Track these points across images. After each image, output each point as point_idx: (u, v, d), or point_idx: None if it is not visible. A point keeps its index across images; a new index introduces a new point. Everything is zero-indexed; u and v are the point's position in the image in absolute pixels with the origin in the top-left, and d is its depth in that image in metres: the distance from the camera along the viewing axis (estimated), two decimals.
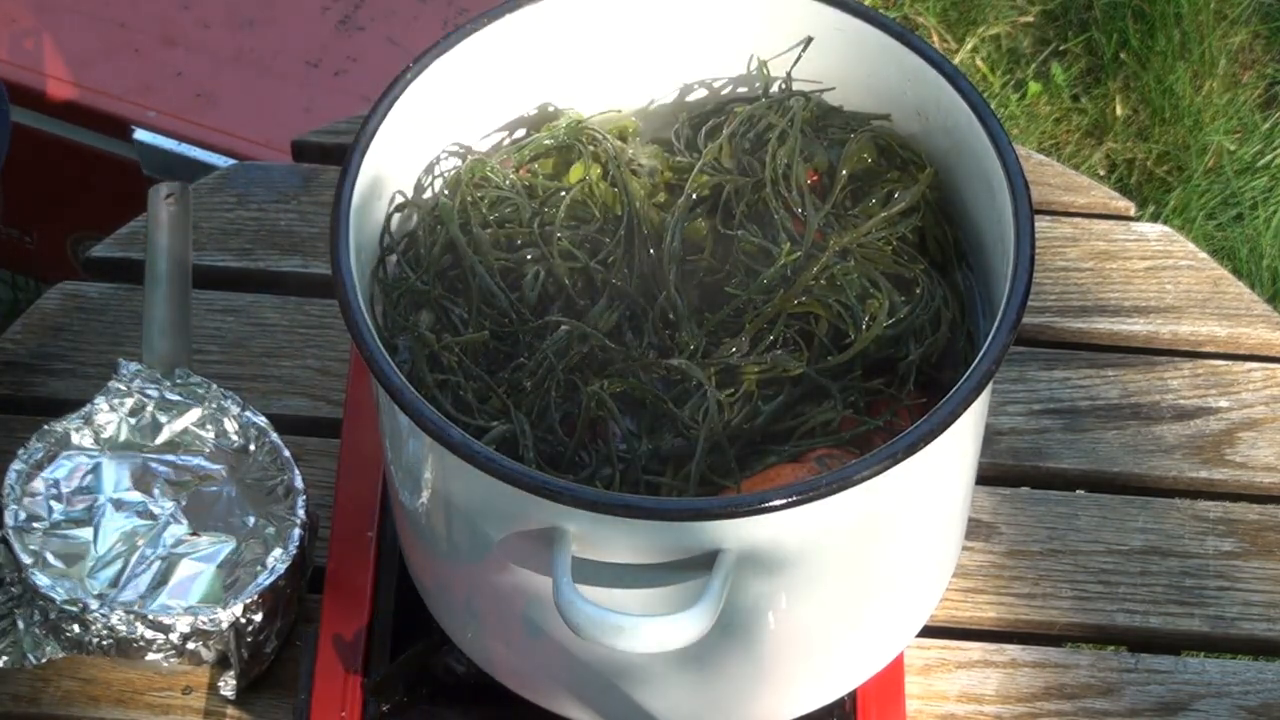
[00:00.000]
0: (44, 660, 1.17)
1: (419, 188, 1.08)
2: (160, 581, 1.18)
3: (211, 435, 1.24)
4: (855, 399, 1.02)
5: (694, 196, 1.08)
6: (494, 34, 1.07)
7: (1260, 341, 1.39)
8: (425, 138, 1.08)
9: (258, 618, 1.17)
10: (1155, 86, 2.25)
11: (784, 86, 1.11)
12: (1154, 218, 2.12)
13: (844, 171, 1.08)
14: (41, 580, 1.16)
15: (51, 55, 1.79)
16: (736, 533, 0.93)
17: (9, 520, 1.19)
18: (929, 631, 1.21)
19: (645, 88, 1.13)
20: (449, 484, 0.99)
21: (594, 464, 1.00)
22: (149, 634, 1.16)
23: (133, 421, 1.23)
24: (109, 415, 1.23)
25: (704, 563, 0.93)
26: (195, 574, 1.19)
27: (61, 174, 1.82)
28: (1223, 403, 1.36)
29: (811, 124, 1.09)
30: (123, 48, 1.80)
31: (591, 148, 1.09)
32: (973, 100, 1.03)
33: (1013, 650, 1.25)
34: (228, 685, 1.19)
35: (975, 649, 1.25)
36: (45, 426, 1.23)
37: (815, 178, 1.09)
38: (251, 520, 1.21)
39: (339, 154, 1.45)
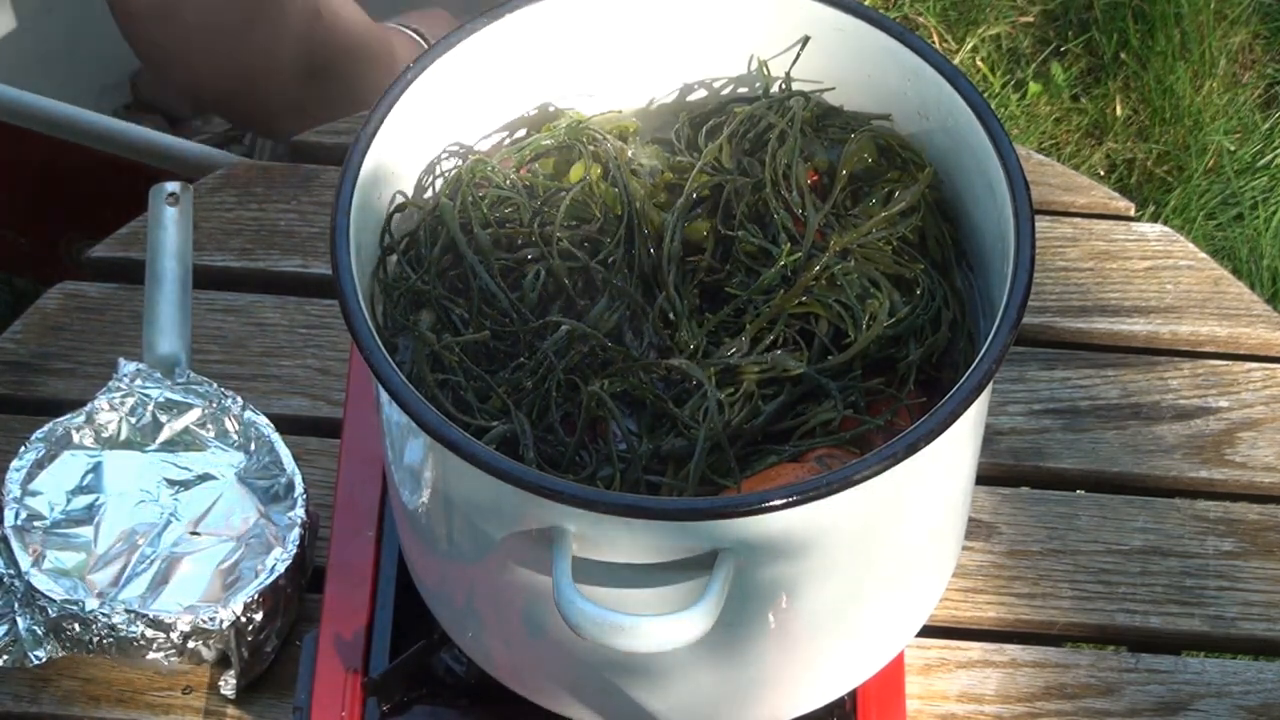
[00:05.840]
0: (44, 660, 1.17)
1: (419, 188, 1.08)
2: (161, 581, 1.18)
3: (212, 435, 1.24)
4: (855, 399, 1.02)
5: (694, 196, 1.08)
6: (494, 34, 1.07)
7: (1260, 341, 1.39)
8: (425, 138, 1.08)
9: (258, 617, 1.17)
10: (1155, 86, 2.25)
11: (784, 86, 1.11)
12: (1154, 218, 2.12)
13: (844, 171, 1.07)
14: (41, 580, 1.16)
15: None
16: (736, 533, 0.93)
17: (9, 520, 1.19)
18: (929, 631, 1.21)
19: (645, 88, 1.13)
20: (449, 484, 0.99)
21: (594, 464, 1.00)
22: (149, 633, 1.16)
23: (133, 421, 1.23)
24: (109, 414, 1.23)
25: (704, 563, 0.93)
26: (195, 573, 1.19)
27: (61, 174, 1.82)
28: (1223, 403, 1.36)
29: (811, 124, 1.09)
30: None
31: (592, 148, 1.09)
32: (973, 100, 1.03)
33: (1013, 650, 1.25)
34: (228, 685, 1.19)
35: (975, 649, 1.25)
36: (46, 426, 1.23)
37: (815, 178, 1.09)
38: (251, 520, 1.21)
39: (339, 154, 1.45)
